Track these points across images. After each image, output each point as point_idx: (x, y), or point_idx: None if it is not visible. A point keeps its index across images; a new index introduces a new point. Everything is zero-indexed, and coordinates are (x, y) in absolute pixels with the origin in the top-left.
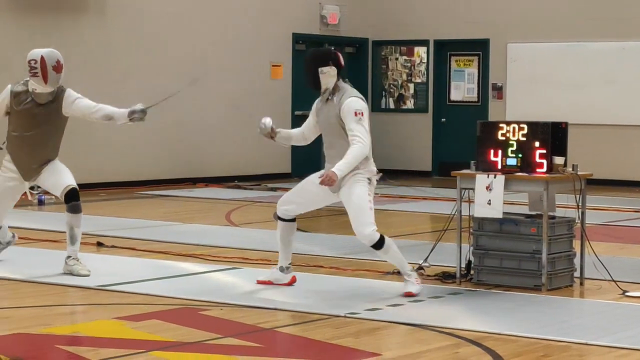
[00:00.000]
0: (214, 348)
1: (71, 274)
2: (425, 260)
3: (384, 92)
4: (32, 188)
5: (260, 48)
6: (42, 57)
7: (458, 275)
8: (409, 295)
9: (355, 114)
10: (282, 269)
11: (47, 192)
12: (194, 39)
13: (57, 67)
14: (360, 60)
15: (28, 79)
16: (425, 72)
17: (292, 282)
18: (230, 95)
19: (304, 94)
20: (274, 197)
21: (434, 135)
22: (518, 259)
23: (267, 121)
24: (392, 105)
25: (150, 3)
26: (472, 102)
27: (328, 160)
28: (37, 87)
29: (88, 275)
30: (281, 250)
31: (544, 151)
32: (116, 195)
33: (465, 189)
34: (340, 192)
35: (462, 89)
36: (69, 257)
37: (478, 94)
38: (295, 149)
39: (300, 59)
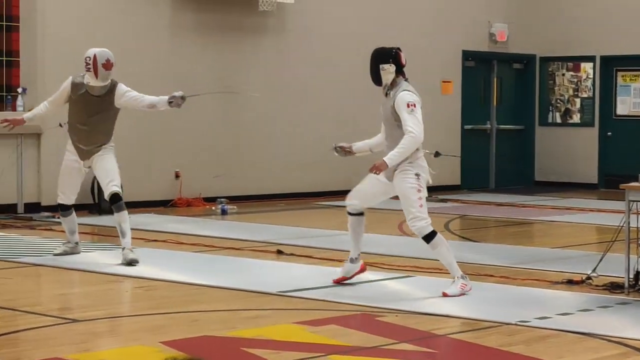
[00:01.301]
0: (390, 353)
1: (125, 262)
2: (594, 270)
3: (550, 107)
4: (214, 200)
5: (431, 65)
6: (94, 55)
7: (626, 285)
8: (444, 295)
9: (408, 105)
10: (352, 260)
11: (229, 203)
12: (366, 56)
13: (107, 65)
14: (527, 76)
15: (84, 73)
16: (592, 87)
17: (362, 269)
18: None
19: (474, 109)
20: (445, 209)
21: (600, 149)
22: None
23: (338, 148)
24: (558, 120)
25: (326, 24)
26: (638, 116)
27: (386, 149)
28: (90, 80)
29: (137, 261)
30: (352, 242)
31: None
32: (294, 206)
33: (634, 201)
34: (394, 184)
35: (628, 103)
36: (123, 248)
37: None
38: (465, 162)
39: (470, 75)
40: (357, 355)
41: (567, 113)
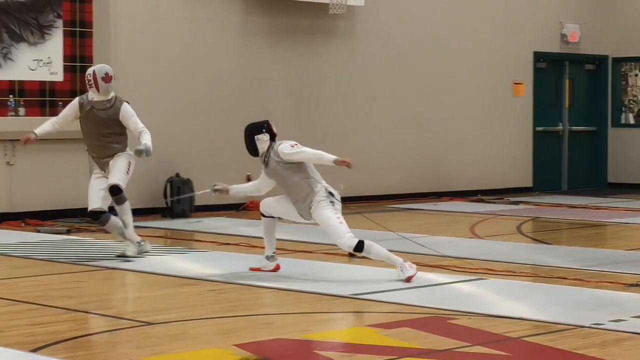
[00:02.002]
0: (463, 356)
1: (123, 254)
2: None
3: (623, 108)
4: None
5: (502, 66)
6: (93, 72)
7: None
8: (409, 279)
9: (291, 147)
10: (267, 258)
11: None
12: (440, 57)
13: (105, 78)
14: (600, 77)
15: (88, 92)
16: None
17: (276, 268)
18: (473, 112)
19: (545, 110)
20: (517, 211)
21: None
22: None
23: (217, 187)
24: (631, 121)
25: (396, 26)
26: None
27: (293, 202)
28: (94, 96)
29: (133, 257)
30: (266, 242)
31: None
32: (366, 209)
33: None
34: (314, 218)
35: None
36: (125, 239)
37: None
38: (537, 164)
39: (541, 76)
40: (430, 358)
41: None
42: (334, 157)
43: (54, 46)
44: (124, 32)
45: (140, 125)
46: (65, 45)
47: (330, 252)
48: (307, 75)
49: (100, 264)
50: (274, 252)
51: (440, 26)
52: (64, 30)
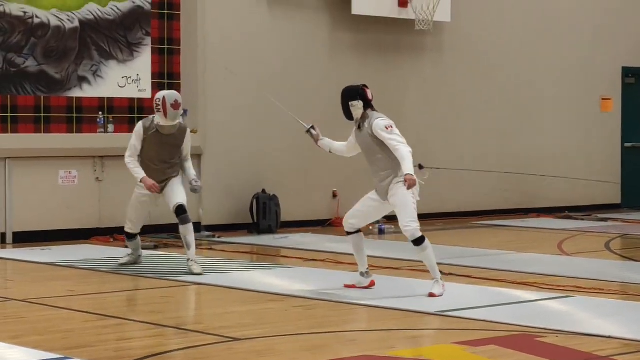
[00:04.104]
0: None
1: (190, 272)
2: None
3: None
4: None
5: (590, 81)
6: (163, 97)
7: None
8: (432, 296)
9: (386, 127)
10: (362, 274)
11: (387, 222)
12: (527, 72)
13: (175, 105)
14: None
15: (154, 115)
16: None
17: (371, 284)
18: (560, 127)
19: (634, 126)
20: (605, 228)
21: None
22: None
23: (313, 131)
24: None
25: (483, 41)
26: None
27: (372, 175)
28: (160, 120)
29: (201, 274)
30: (357, 259)
31: None
32: (452, 225)
33: None
34: (389, 200)
35: None
36: (188, 259)
37: None
38: (625, 183)
39: (630, 91)
40: None
41: None
42: (409, 170)
43: (143, 63)
44: (212, 48)
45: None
46: (153, 62)
47: (417, 268)
48: (394, 91)
49: (187, 279)
50: (367, 269)
51: (527, 41)
52: (152, 47)
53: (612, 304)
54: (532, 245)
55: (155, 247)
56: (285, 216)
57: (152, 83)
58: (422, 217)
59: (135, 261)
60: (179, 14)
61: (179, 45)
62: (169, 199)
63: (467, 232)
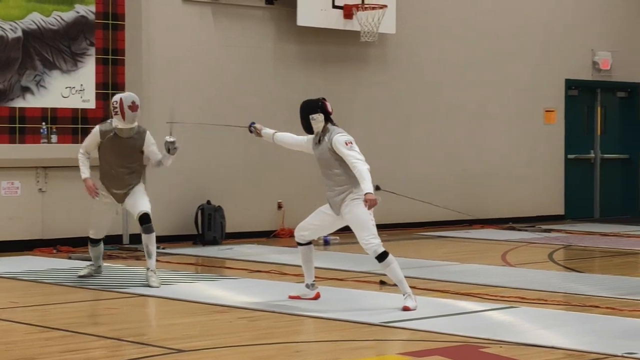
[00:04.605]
0: None
1: (148, 284)
2: None
3: None
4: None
5: (534, 94)
6: (120, 99)
7: None
8: (406, 309)
9: (346, 143)
10: (307, 286)
11: (332, 233)
12: (472, 84)
13: (132, 107)
14: (632, 104)
15: (112, 119)
16: None
17: (316, 297)
18: (505, 139)
19: (577, 138)
20: (549, 239)
21: None
22: None
23: (253, 127)
24: None
25: (429, 52)
26: None
27: (327, 189)
28: (118, 123)
29: (158, 287)
30: (305, 270)
31: None
32: (397, 236)
33: None
34: (343, 216)
35: None
36: (148, 269)
37: None
38: (569, 194)
39: (573, 104)
40: None
41: None
42: (369, 189)
43: (87, 73)
44: (156, 59)
45: (157, 151)
46: (97, 72)
47: (362, 279)
48: (339, 103)
49: (132, 290)
50: (314, 281)
51: (472, 53)
52: (97, 57)
53: (555, 314)
54: (476, 256)
55: None
56: (230, 227)
57: (96, 93)
58: None
59: (96, 272)
60: (124, 25)
61: (124, 56)
62: (132, 208)
63: (411, 243)
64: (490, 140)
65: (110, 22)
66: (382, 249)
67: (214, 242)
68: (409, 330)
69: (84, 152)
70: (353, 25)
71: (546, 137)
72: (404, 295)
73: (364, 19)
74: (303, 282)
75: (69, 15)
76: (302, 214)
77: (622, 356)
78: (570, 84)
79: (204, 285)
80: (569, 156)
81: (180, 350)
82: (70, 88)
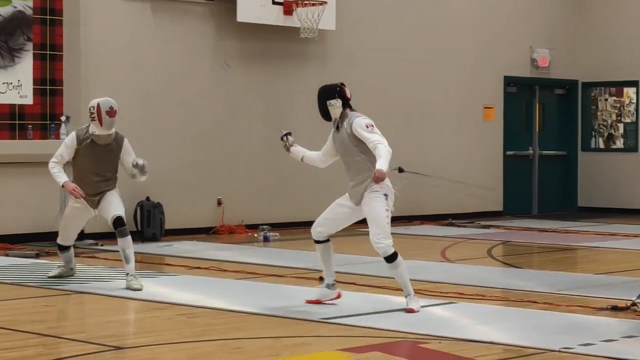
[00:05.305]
0: None
1: (129, 288)
2: (639, 296)
3: (593, 132)
4: (256, 227)
5: (473, 90)
6: (98, 105)
7: None
8: (410, 311)
9: (367, 126)
10: (328, 286)
11: (271, 230)
12: (410, 81)
13: (110, 112)
14: (570, 102)
15: (89, 124)
16: (635, 112)
17: (337, 297)
18: (444, 136)
19: (516, 135)
20: (488, 235)
21: None
22: None
23: (285, 137)
24: (601, 145)
25: (368, 49)
26: None
27: (349, 179)
28: (96, 129)
29: (140, 289)
30: (324, 269)
31: None
32: (336, 233)
33: None
34: (362, 207)
35: None
36: (127, 274)
37: None
38: (507, 190)
39: (512, 100)
40: None
41: (610, 138)
42: (382, 166)
43: (24, 69)
44: (95, 55)
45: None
46: (35, 68)
47: (301, 276)
48: (279, 99)
49: (70, 287)
50: (334, 280)
51: (411, 50)
52: (34, 53)
53: (494, 310)
54: (416, 253)
55: (37, 256)
56: (169, 224)
57: (34, 89)
58: (307, 224)
59: (67, 274)
60: (62, 20)
61: (62, 51)
62: (105, 212)
63: (352, 240)
64: (430, 137)
65: (48, 17)
66: (392, 250)
67: (153, 238)
68: (349, 326)
69: (58, 161)
70: (293, 21)
71: (485, 134)
72: (406, 296)
73: (303, 15)
74: (249, 279)
75: (6, 10)
76: (242, 211)
77: (560, 351)
78: (509, 81)
79: (143, 282)
80: (508, 153)
81: (118, 348)
82: (7, 84)
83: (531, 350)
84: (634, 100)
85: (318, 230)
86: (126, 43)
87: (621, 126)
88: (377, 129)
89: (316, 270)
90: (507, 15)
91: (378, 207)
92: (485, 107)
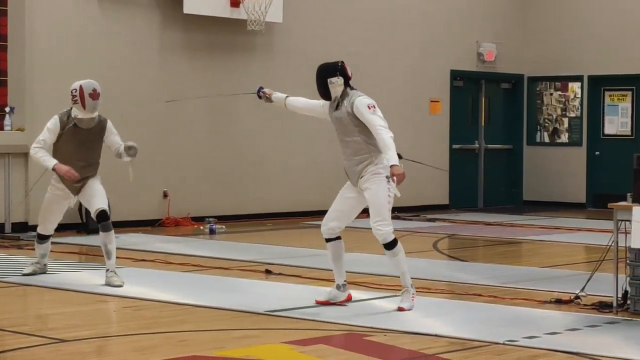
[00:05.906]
0: None
1: (109, 285)
2: (582, 289)
3: (539, 127)
4: (202, 219)
5: (419, 84)
6: (80, 87)
7: (615, 305)
8: (401, 310)
9: (369, 107)
10: (338, 287)
11: (217, 222)
12: (356, 75)
13: (93, 95)
14: (515, 96)
15: (71, 107)
16: (580, 107)
17: (348, 299)
18: (390, 129)
19: (462, 128)
20: (433, 228)
21: (588, 168)
22: None
23: (261, 93)
24: (547, 139)
25: (315, 42)
26: (626, 136)
27: (345, 158)
28: (79, 112)
29: (121, 286)
30: (335, 269)
31: None
32: (282, 225)
33: (622, 220)
34: (361, 189)
35: (616, 123)
36: (107, 270)
37: (632, 128)
38: (453, 183)
39: (458, 94)
40: None
41: (555, 132)
42: (395, 161)
43: None
44: (40, 46)
45: (120, 139)
46: None
47: (247, 268)
48: (225, 91)
49: (13, 280)
50: (345, 281)
51: (358, 44)
52: None
53: (439, 302)
54: (360, 245)
55: None
56: (115, 216)
57: None
58: (253, 217)
59: (40, 271)
60: (6, 10)
61: (6, 42)
62: (88, 203)
63: (297, 232)
64: None
65: None
66: (391, 237)
67: (98, 231)
68: (294, 319)
69: (41, 146)
70: (240, 13)
71: (431, 127)
72: (401, 291)
73: (251, 7)
74: (195, 272)
75: None
76: (188, 203)
77: (504, 344)
78: (455, 75)
79: (88, 275)
80: (454, 146)
81: (62, 340)
82: None
83: (476, 342)
84: (579, 95)
85: (330, 226)
86: (71, 33)
87: (566, 120)
88: (379, 111)
89: (262, 262)
90: (454, 9)
91: (380, 192)
92: (431, 101)
